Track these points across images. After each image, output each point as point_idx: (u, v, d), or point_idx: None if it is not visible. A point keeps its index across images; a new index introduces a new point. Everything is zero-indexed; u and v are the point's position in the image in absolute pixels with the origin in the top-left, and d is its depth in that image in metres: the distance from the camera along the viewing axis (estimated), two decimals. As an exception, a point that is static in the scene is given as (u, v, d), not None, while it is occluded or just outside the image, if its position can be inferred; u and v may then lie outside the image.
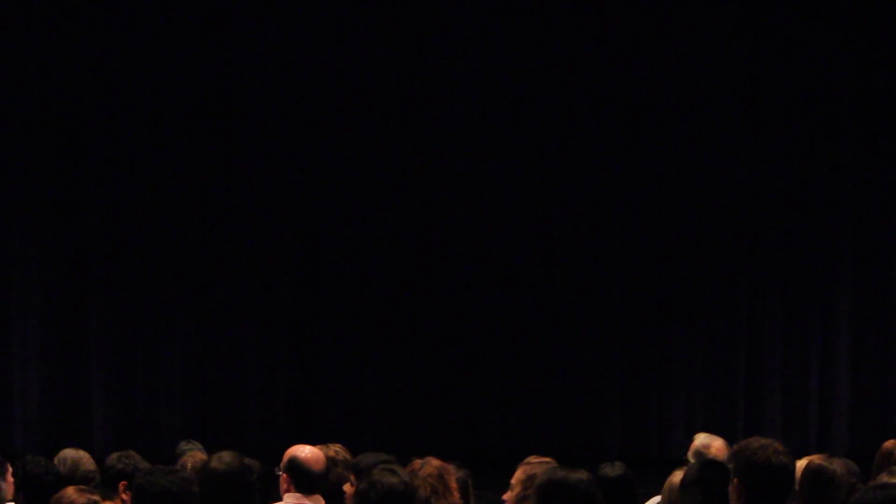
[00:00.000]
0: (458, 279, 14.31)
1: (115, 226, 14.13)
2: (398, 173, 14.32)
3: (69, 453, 7.90)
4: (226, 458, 6.22)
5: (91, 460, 7.66)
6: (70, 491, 5.99)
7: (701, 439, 8.44)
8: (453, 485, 6.74)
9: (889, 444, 8.25)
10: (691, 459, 8.03)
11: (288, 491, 6.52)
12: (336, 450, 7.37)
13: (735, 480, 5.30)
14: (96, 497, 5.97)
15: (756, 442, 5.36)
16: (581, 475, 5.25)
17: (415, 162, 14.32)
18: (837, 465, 6.44)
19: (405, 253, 14.28)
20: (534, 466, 6.66)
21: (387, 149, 14.31)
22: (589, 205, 14.39)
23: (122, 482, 7.03)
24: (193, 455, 8.02)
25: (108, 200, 14.12)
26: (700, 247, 14.36)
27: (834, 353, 14.35)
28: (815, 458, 6.51)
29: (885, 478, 6.47)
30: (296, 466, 6.54)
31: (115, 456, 7.29)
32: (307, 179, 14.31)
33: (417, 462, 6.83)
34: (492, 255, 14.33)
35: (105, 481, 7.12)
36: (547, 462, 6.76)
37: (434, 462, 6.79)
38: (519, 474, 6.69)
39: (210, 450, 8.67)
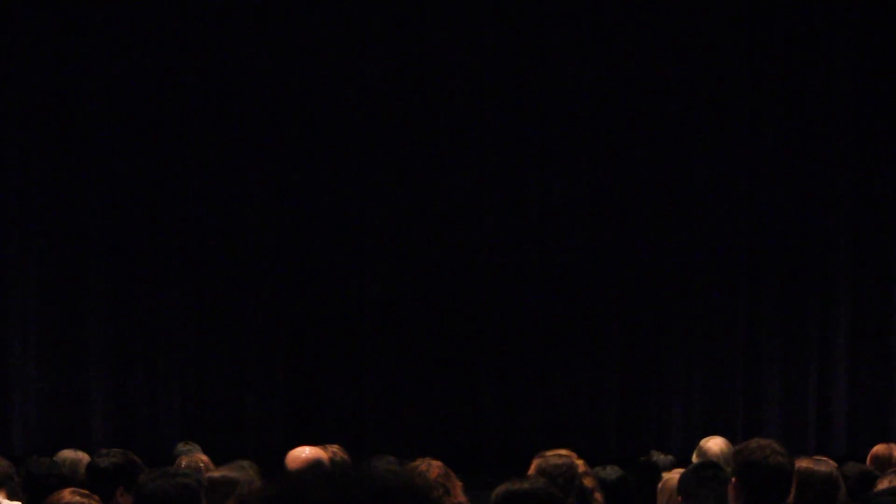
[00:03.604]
0: (457, 279, 14.31)
1: (114, 226, 14.12)
2: (398, 172, 14.32)
3: (68, 454, 7.88)
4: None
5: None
6: (67, 493, 5.97)
7: (703, 441, 8.48)
8: (458, 483, 6.76)
9: (881, 448, 8.25)
10: (695, 461, 8.04)
11: None
12: (334, 450, 7.38)
13: (734, 480, 5.35)
14: (94, 500, 5.95)
15: (755, 443, 5.42)
16: (539, 483, 5.23)
17: (415, 161, 14.32)
18: (826, 468, 6.43)
19: (404, 253, 14.28)
20: (547, 459, 6.66)
21: (387, 150, 14.31)
22: (588, 205, 14.39)
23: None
24: (191, 456, 8.01)
25: (107, 201, 14.12)
26: (699, 248, 14.36)
27: (833, 355, 14.35)
28: (804, 461, 6.51)
29: (886, 482, 6.46)
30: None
31: (103, 452, 7.12)
32: (305, 179, 14.31)
33: (421, 463, 6.83)
34: (491, 255, 14.33)
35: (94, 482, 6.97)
36: (564, 455, 6.71)
37: (436, 462, 6.81)
38: (534, 468, 6.66)
39: (209, 450, 8.68)
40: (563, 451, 6.90)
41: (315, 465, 6.95)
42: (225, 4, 14.25)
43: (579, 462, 6.77)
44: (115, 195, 14.14)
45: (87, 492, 6.10)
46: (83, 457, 7.71)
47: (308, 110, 14.31)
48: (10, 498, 7.43)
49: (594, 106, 14.37)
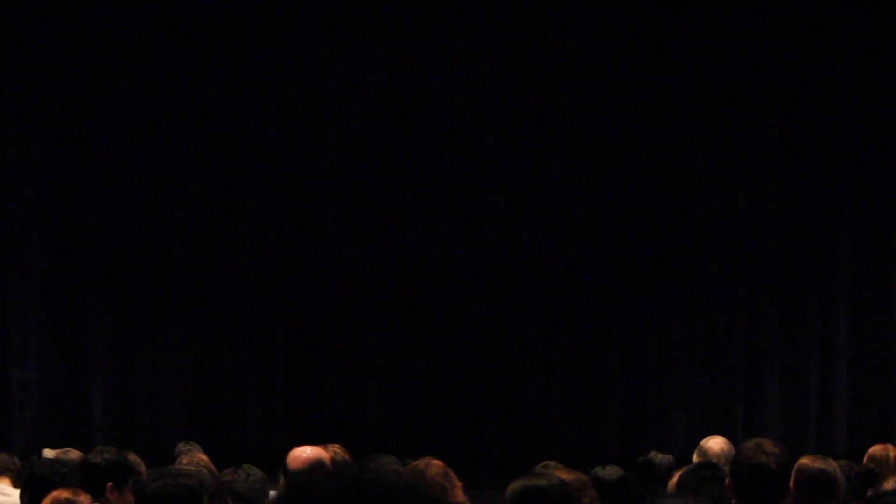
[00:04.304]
0: (457, 279, 14.31)
1: (114, 225, 14.13)
2: (397, 174, 14.33)
3: (72, 454, 7.87)
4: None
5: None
6: (57, 491, 5.97)
7: (704, 441, 8.48)
8: (457, 482, 6.75)
9: (877, 448, 8.24)
10: (695, 461, 8.05)
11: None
12: (335, 450, 7.38)
13: (727, 480, 5.39)
14: (82, 496, 5.95)
15: (750, 442, 5.43)
16: (555, 479, 5.20)
17: (414, 163, 14.33)
18: (826, 465, 6.43)
19: (404, 254, 14.29)
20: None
21: (387, 151, 14.31)
22: (588, 206, 14.40)
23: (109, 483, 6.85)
24: (191, 456, 8.01)
25: (107, 200, 14.13)
26: (700, 247, 14.37)
27: (833, 353, 14.36)
28: (804, 459, 6.51)
29: (891, 482, 6.46)
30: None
31: (97, 449, 7.11)
32: (306, 180, 14.31)
33: (420, 463, 6.82)
34: (491, 255, 14.34)
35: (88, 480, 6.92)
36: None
37: (436, 462, 6.80)
38: None
39: (209, 450, 8.68)
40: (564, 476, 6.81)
41: (316, 464, 6.95)
42: (225, 5, 14.26)
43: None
44: (115, 194, 14.14)
45: (76, 489, 6.10)
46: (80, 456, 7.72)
47: (308, 110, 14.31)
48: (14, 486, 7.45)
49: (594, 107, 14.37)
